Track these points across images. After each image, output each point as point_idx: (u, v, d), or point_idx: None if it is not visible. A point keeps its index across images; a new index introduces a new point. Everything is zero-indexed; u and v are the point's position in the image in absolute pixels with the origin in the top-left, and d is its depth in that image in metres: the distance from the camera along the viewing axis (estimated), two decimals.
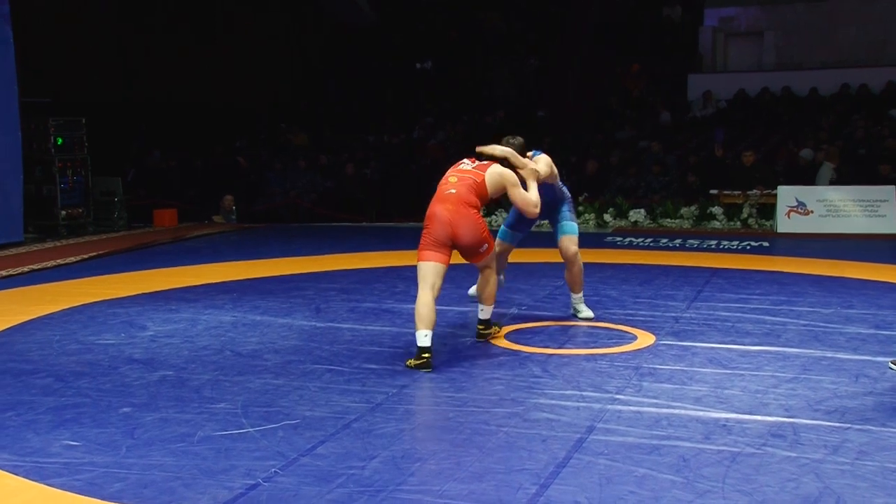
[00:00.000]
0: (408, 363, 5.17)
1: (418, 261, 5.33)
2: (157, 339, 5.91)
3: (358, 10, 20.22)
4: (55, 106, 13.13)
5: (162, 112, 16.70)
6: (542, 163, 5.97)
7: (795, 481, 3.45)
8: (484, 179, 5.45)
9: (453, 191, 5.37)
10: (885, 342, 5.59)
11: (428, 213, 5.39)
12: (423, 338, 5.09)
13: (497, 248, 6.06)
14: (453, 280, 6.79)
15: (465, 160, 5.66)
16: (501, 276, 6.79)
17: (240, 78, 18.43)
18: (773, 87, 16.56)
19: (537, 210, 5.66)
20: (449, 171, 5.58)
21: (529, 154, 6.01)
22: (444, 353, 5.44)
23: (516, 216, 6.44)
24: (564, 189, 6.46)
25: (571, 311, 6.50)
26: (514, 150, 5.77)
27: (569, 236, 6.27)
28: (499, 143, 5.88)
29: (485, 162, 5.62)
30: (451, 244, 5.33)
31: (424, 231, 5.37)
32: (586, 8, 18.60)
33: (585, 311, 6.45)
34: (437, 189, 5.47)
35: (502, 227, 6.61)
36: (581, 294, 6.47)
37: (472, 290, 6.70)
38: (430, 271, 5.25)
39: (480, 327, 5.76)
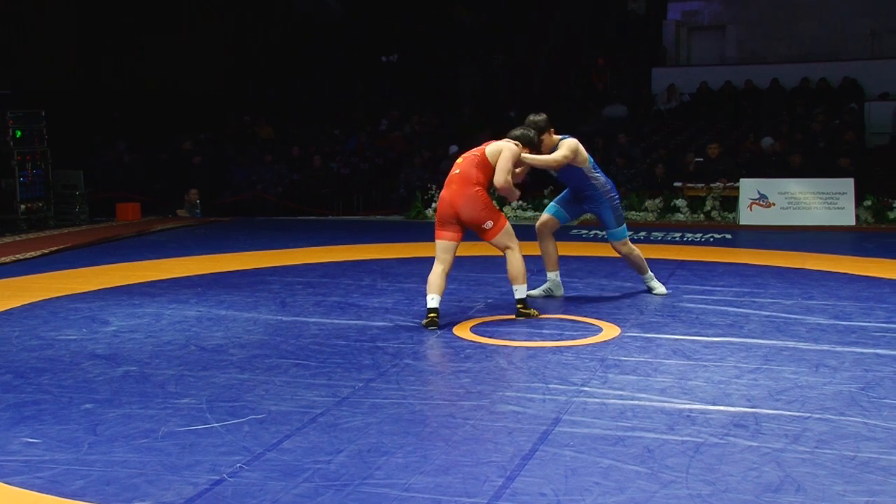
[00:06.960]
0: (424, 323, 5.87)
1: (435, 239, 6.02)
2: (119, 335, 5.84)
3: (324, 1, 20.09)
4: (14, 97, 12.89)
5: (125, 103, 16.47)
6: (563, 148, 6.32)
7: (757, 470, 3.50)
8: (484, 153, 6.00)
9: (457, 171, 5.99)
10: (843, 332, 5.69)
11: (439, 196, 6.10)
12: (430, 300, 5.84)
13: (541, 219, 6.77)
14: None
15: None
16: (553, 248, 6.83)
17: (205, 68, 18.23)
18: (735, 81, 16.75)
19: (501, 183, 5.91)
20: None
21: (556, 137, 6.41)
22: (409, 345, 5.44)
23: (564, 197, 6.82)
24: (600, 176, 6.61)
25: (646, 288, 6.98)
26: (539, 125, 6.27)
27: (613, 242, 6.79)
28: (509, 128, 6.41)
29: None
30: (458, 221, 5.92)
31: (436, 212, 6.09)
32: (552, 2, 18.66)
33: (659, 287, 6.91)
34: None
35: (552, 202, 6.95)
36: (648, 274, 6.93)
37: (537, 291, 6.83)
38: (439, 248, 5.97)
39: (519, 306, 6.12)
